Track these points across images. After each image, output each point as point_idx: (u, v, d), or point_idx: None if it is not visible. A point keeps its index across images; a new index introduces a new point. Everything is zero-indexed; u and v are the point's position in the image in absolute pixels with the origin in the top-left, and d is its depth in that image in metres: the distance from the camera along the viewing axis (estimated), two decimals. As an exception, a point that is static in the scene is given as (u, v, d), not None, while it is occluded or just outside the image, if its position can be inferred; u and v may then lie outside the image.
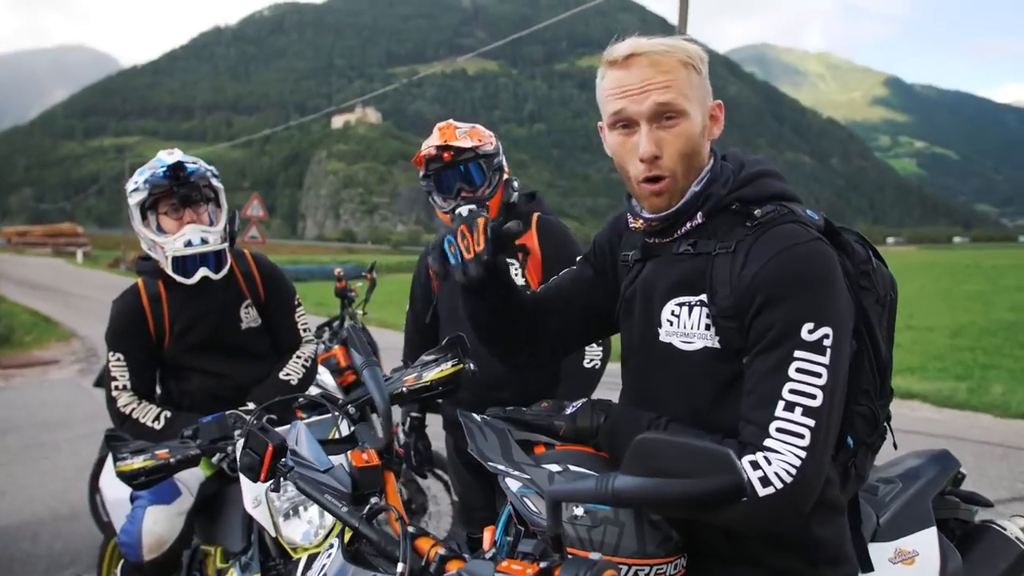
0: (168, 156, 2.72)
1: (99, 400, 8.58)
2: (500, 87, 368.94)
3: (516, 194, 2.91)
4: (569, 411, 1.59)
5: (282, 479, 1.46)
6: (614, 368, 1.94)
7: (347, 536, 1.42)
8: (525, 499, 1.36)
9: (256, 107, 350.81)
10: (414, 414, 3.10)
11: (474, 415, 1.54)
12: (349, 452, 1.55)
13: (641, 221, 1.59)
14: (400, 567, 1.22)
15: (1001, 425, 7.22)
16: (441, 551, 1.29)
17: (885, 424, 1.65)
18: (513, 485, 1.39)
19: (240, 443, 2.28)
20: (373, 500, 1.48)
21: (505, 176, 2.86)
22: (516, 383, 2.79)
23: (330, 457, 1.58)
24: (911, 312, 15.86)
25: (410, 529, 1.31)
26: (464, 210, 2.74)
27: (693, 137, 1.49)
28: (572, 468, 1.43)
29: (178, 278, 2.73)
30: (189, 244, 2.69)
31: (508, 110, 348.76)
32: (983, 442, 6.50)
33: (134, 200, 2.70)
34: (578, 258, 1.92)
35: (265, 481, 1.45)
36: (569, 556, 1.13)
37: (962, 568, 1.86)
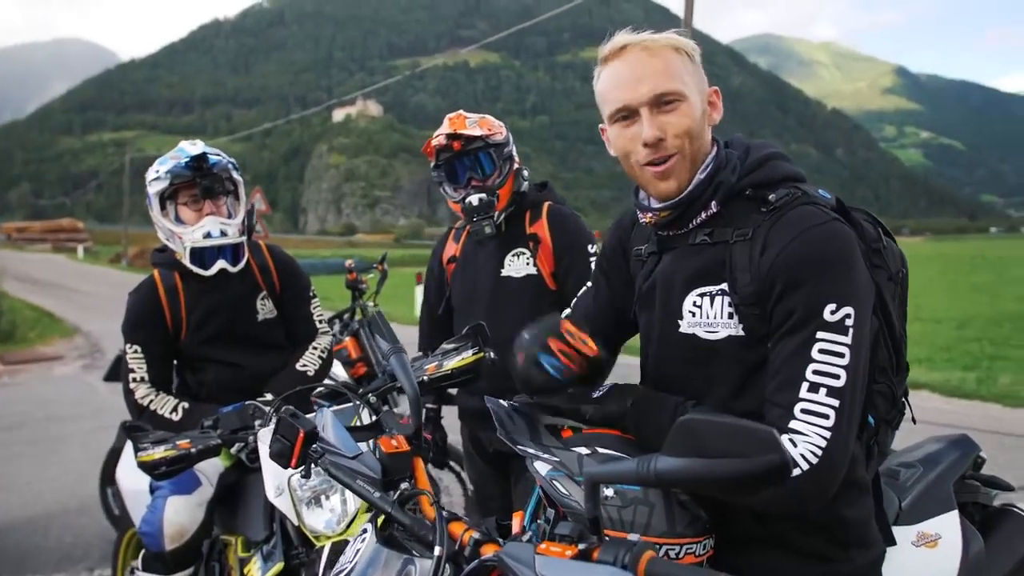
0: (191, 147, 2.72)
1: (104, 394, 8.57)
2: (503, 79, 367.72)
3: (526, 183, 2.91)
4: (596, 395, 1.59)
5: (312, 465, 1.47)
6: (622, 359, 1.93)
7: (379, 521, 1.42)
8: (555, 482, 1.37)
9: (256, 100, 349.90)
10: (430, 405, 3.11)
11: (501, 401, 1.54)
12: (378, 438, 1.56)
13: (650, 214, 1.59)
14: (437, 550, 1.23)
15: (1010, 415, 7.23)
16: (475, 535, 1.30)
17: (903, 399, 1.66)
18: (542, 468, 1.40)
19: (261, 433, 2.29)
20: (404, 486, 1.49)
21: (516, 166, 2.86)
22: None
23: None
24: (918, 304, 15.82)
25: (444, 514, 1.32)
26: (474, 199, 2.77)
27: (695, 119, 1.50)
28: (601, 450, 1.44)
29: (195, 269, 2.73)
30: (208, 236, 2.69)
31: (511, 102, 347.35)
32: (993, 432, 6.48)
33: (154, 189, 2.69)
34: (591, 272, 1.92)
35: (296, 468, 1.46)
36: (607, 538, 1.13)
37: (984, 551, 1.86)
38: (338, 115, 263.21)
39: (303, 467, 1.47)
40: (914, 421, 1.73)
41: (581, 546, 1.13)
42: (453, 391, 3.14)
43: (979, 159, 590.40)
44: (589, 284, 1.93)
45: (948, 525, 1.83)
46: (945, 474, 1.98)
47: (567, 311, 1.92)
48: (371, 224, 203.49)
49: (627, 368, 1.91)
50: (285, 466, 1.45)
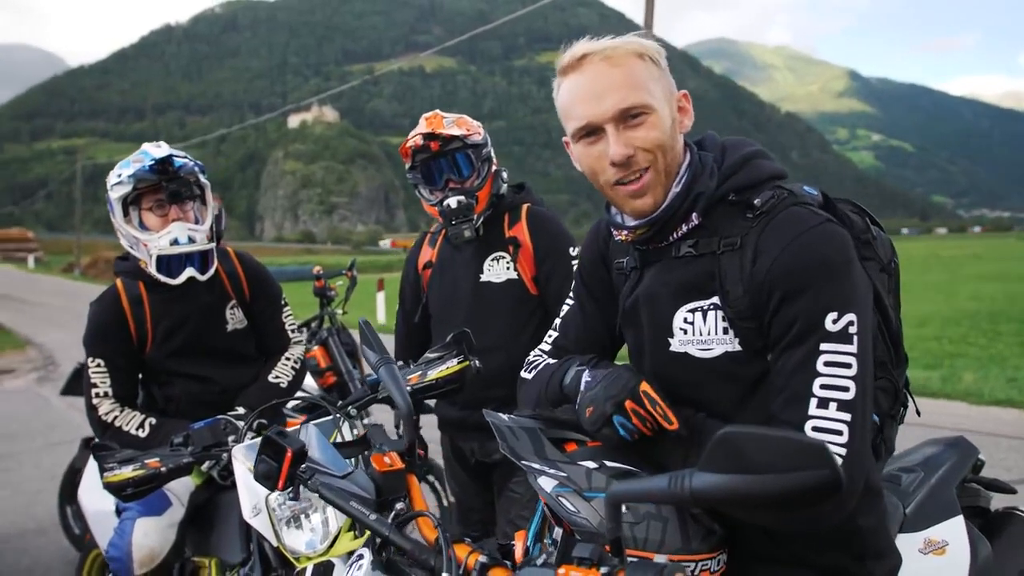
0: (155, 149, 2.57)
1: (60, 409, 8.27)
2: (459, 84, 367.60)
3: (505, 185, 2.83)
4: None
5: (301, 487, 1.37)
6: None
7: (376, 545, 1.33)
8: (561, 498, 1.29)
9: (210, 107, 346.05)
10: (407, 415, 3.00)
11: (501, 415, 1.45)
12: (370, 456, 1.46)
13: (626, 232, 1.49)
14: (445, 577, 1.14)
15: (976, 412, 7.27)
16: (482, 559, 1.22)
17: (905, 391, 1.61)
18: (547, 484, 1.32)
19: (235, 449, 2.17)
20: (399, 506, 1.40)
21: (494, 167, 2.78)
22: (511, 380, 2.71)
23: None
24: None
25: (448, 536, 1.23)
26: (453, 201, 2.68)
27: (665, 130, 1.41)
28: (608, 464, 1.36)
29: (162, 278, 2.59)
30: (175, 243, 2.54)
31: (467, 107, 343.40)
32: (960, 430, 6.51)
33: (116, 194, 2.54)
34: (571, 291, 1.79)
35: (283, 489, 1.36)
36: (631, 559, 1.06)
37: (992, 557, 1.83)
38: (293, 121, 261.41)
39: (291, 488, 1.37)
40: (918, 413, 1.68)
41: (603, 569, 1.05)
42: (431, 400, 3.03)
43: (929, 161, 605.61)
44: (571, 301, 1.79)
45: (954, 531, 1.79)
46: (947, 478, 1.94)
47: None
48: (328, 231, 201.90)
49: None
50: (272, 488, 1.35)
